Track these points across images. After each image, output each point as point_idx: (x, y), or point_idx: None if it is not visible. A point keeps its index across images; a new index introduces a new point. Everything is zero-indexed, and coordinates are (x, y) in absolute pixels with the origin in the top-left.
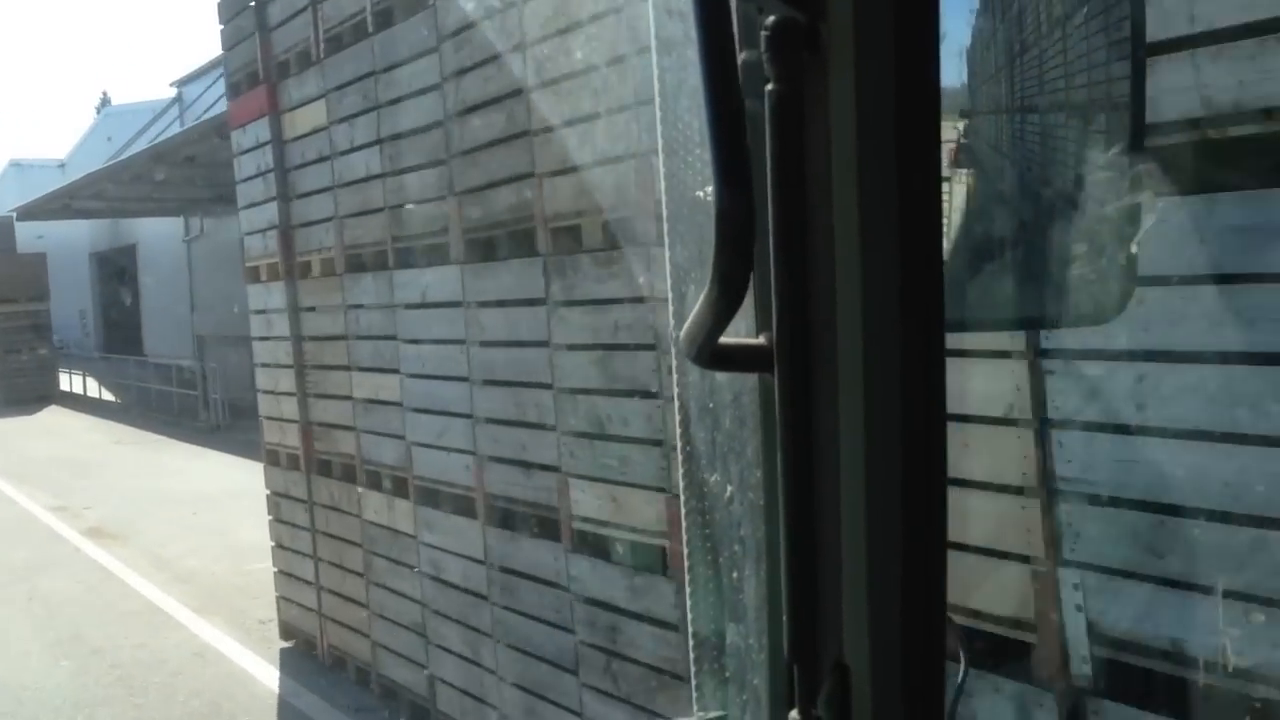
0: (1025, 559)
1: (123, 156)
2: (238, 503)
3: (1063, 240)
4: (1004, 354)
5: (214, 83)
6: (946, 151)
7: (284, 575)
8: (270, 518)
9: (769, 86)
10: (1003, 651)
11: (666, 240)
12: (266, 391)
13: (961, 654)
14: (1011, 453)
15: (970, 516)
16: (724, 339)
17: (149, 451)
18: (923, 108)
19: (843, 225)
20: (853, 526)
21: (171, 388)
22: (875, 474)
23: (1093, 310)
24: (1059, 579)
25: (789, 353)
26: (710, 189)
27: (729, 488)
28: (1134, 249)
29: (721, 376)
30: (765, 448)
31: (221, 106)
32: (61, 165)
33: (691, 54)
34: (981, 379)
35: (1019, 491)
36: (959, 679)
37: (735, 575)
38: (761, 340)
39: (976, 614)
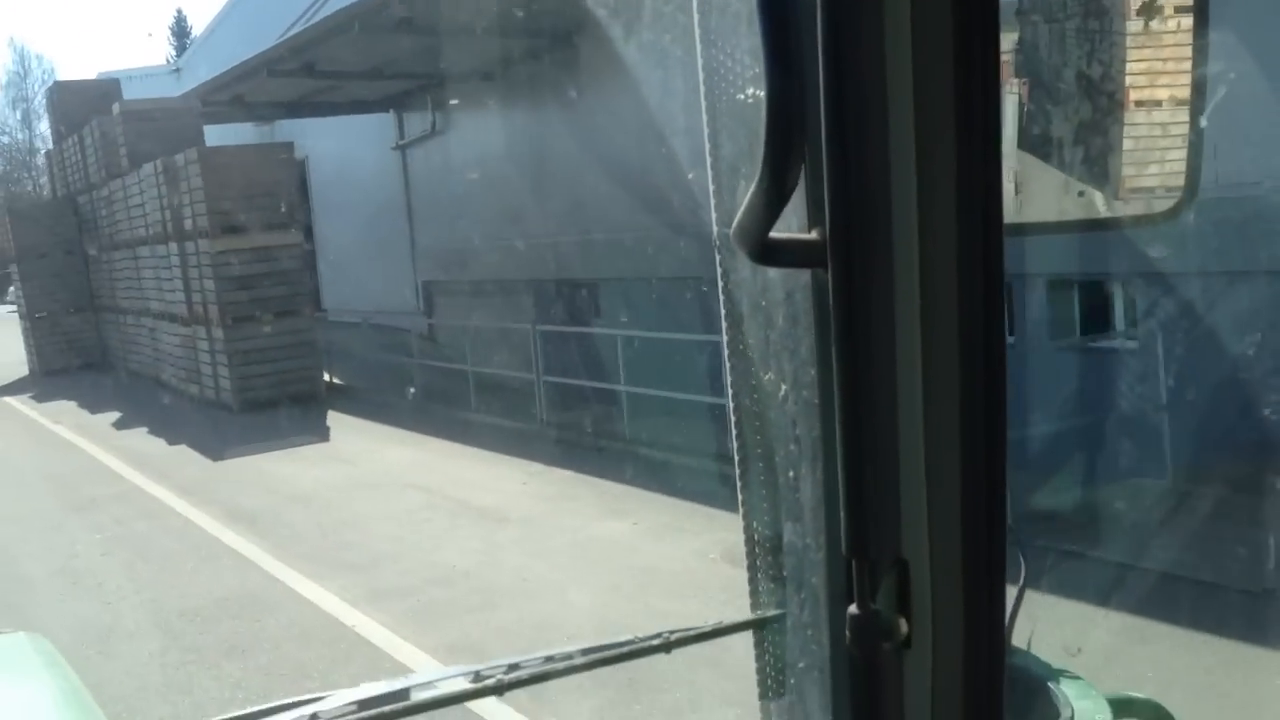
0: None
1: (282, 40)
2: None
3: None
4: None
5: None
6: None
7: None
8: None
9: None
10: None
11: (707, 136)
12: None
13: (1021, 560)
14: None
15: None
16: (776, 233)
17: None
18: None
19: (897, 116)
20: (910, 422)
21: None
22: (932, 370)
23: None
24: None
25: (842, 247)
26: (752, 90)
27: (783, 386)
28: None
29: (774, 273)
30: (819, 345)
31: None
32: (176, 71)
33: None
34: None
35: None
36: (1019, 585)
37: (791, 474)
38: (814, 235)
39: None
